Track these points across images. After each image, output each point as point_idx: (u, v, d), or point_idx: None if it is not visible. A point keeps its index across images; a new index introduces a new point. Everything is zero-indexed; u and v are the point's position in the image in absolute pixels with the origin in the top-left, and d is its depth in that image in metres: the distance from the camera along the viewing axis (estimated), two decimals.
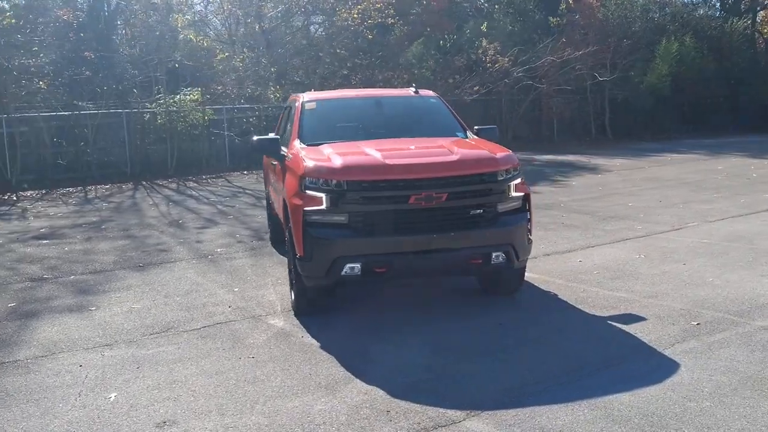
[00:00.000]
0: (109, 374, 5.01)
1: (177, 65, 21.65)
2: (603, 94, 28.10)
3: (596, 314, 5.88)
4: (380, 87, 23.44)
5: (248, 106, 21.89)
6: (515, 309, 6.15)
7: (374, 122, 7.22)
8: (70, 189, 17.70)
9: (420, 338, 5.45)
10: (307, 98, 7.64)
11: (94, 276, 8.25)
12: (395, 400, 4.29)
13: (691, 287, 6.58)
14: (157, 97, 20.88)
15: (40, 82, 19.70)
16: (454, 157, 5.92)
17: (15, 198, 16.60)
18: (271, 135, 7.46)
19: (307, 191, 5.75)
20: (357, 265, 5.61)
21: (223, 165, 21.12)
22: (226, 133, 21.27)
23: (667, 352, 4.89)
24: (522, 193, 6.03)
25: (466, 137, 6.97)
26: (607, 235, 9.26)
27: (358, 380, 4.65)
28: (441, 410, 4.11)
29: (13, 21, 20.28)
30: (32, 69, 22.74)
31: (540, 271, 7.46)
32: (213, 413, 4.22)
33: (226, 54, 22.35)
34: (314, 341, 5.55)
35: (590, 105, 28.23)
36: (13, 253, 9.92)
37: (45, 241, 10.74)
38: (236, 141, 20.27)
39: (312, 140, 6.76)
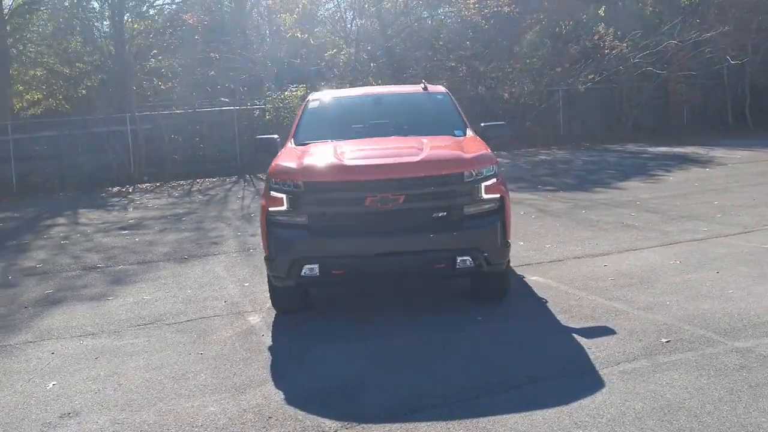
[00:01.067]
0: (68, 363, 5.36)
1: (285, 63, 22.38)
2: (743, 78, 25.62)
3: (568, 326, 5.46)
4: (489, 79, 23.06)
5: None
6: (488, 317, 5.83)
7: (371, 121, 7.11)
8: (182, 182, 18.91)
9: (365, 345, 5.33)
10: (313, 97, 7.69)
11: (139, 266, 8.80)
12: (287, 406, 4.25)
13: (699, 299, 5.92)
14: (267, 94, 21.75)
15: (159, 82, 21.16)
16: (415, 158, 5.72)
17: (131, 190, 18.01)
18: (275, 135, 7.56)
19: (271, 192, 5.80)
20: (315, 267, 5.59)
21: None
22: None
23: (605, 372, 4.45)
24: (495, 195, 5.70)
25: (465, 135, 6.68)
26: (661, 238, 8.54)
27: (271, 384, 4.65)
28: (319, 420, 4.03)
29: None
30: (162, 70, 24.65)
31: (552, 275, 7.03)
32: (117, 408, 4.40)
33: (334, 50, 22.81)
34: (269, 341, 5.61)
35: (727, 91, 25.85)
36: (90, 243, 10.82)
37: (125, 232, 11.60)
38: None
39: (304, 140, 6.79)
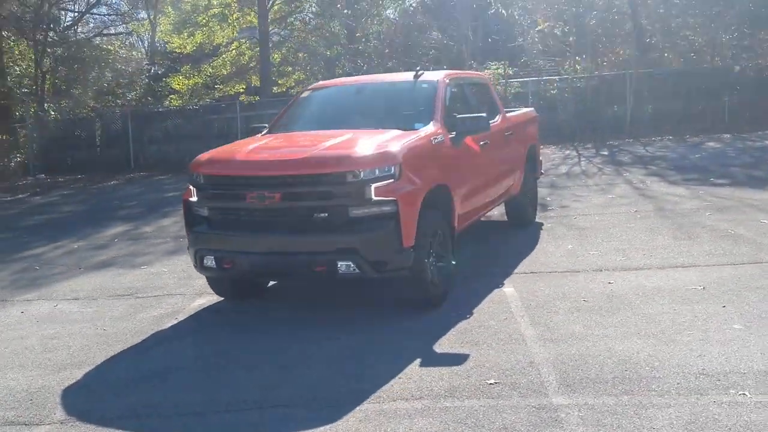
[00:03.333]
0: (19, 323, 6.11)
1: (489, 40, 21.80)
2: None
3: (434, 348, 4.79)
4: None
5: (559, 77, 20.93)
6: (371, 328, 5.31)
7: (342, 112, 6.81)
8: None
9: (230, 343, 5.26)
10: (310, 86, 7.58)
11: None
12: (50, 395, 4.42)
13: (636, 338, 4.73)
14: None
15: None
16: (299, 156, 5.41)
17: None
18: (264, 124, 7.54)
19: (189, 183, 5.93)
20: (212, 259, 5.62)
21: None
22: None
23: (362, 408, 3.85)
24: (388, 198, 5.14)
25: (426, 127, 6.07)
26: (731, 256, 6.89)
27: (87, 368, 4.85)
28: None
29: None
30: (386, 51, 25.59)
31: (533, 288, 6.13)
32: None
33: (547, 23, 21.60)
34: (168, 327, 5.76)
35: None
36: None
37: None
38: None
39: (278, 130, 6.78)
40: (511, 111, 9.18)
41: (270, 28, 30.72)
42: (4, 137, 23.27)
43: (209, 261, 5.58)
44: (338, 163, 5.15)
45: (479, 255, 7.52)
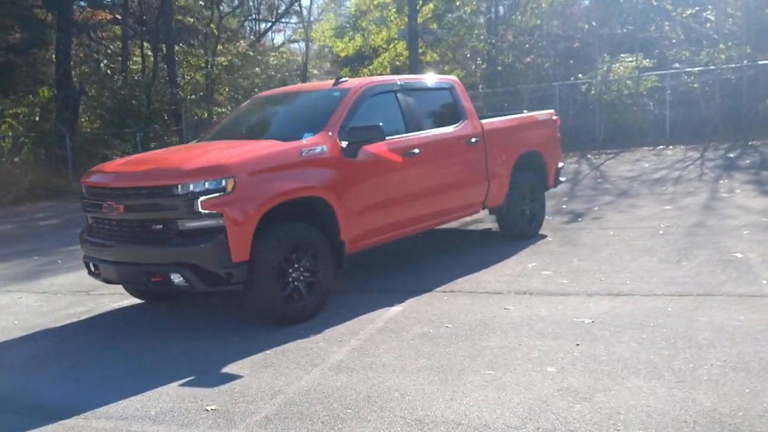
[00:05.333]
0: None
1: (624, 30, 20.16)
2: None
3: (221, 371, 4.73)
4: None
5: (699, 69, 18.83)
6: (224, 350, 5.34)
7: (258, 122, 6.84)
8: None
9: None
10: (256, 95, 7.68)
11: None
12: None
13: (433, 374, 4.31)
14: (599, 66, 20.08)
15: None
16: (141, 168, 5.57)
17: None
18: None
19: None
20: (90, 264, 6.00)
21: (661, 137, 19.01)
22: (668, 100, 18.98)
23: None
24: (214, 212, 5.15)
25: (314, 137, 5.96)
26: (690, 285, 5.95)
27: None
28: None
29: None
30: (526, 46, 24.83)
31: (418, 309, 5.78)
32: None
33: (689, 11, 19.55)
34: (66, 327, 6.22)
35: None
36: None
37: None
38: (653, 111, 17.94)
39: (211, 139, 7.00)
40: (514, 114, 8.61)
41: (428, 27, 31.09)
42: (175, 140, 25.96)
43: (91, 266, 5.94)
44: (167, 177, 5.25)
45: (422, 268, 7.17)
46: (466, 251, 7.94)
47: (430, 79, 7.63)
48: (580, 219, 9.44)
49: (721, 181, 11.76)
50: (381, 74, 33.61)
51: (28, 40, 22.16)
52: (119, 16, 26.40)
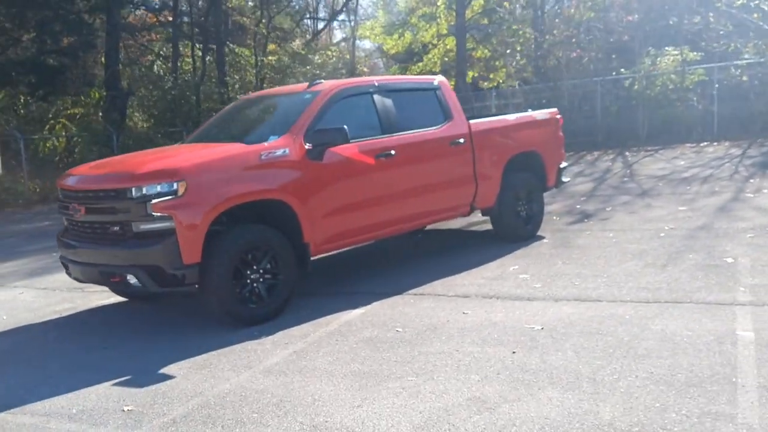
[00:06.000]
0: None
1: (670, 21, 19.42)
2: None
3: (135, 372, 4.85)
4: None
5: (748, 61, 17.99)
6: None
7: (233, 124, 6.93)
8: None
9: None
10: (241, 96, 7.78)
11: None
12: None
13: (345, 380, 4.32)
14: (642, 60, 19.47)
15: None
16: (100, 171, 5.75)
17: None
18: None
19: None
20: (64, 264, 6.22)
21: (708, 133, 18.30)
22: (715, 94, 18.24)
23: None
24: (165, 214, 5.27)
25: (279, 139, 6.02)
26: (662, 292, 5.75)
27: None
28: None
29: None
30: (573, 40, 24.31)
31: (379, 312, 5.78)
32: None
33: (739, 1, 18.69)
34: (47, 323, 6.45)
35: None
36: None
37: None
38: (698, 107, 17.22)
39: (192, 141, 7.16)
40: (508, 114, 8.47)
41: (479, 23, 30.78)
42: None
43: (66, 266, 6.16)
44: (122, 180, 5.39)
45: (404, 269, 7.16)
46: (456, 252, 7.85)
47: (414, 79, 7.58)
48: (586, 220, 9.20)
49: (751, 181, 11.24)
50: (431, 71, 33.54)
51: (77, 44, 23.05)
52: (170, 18, 27.14)
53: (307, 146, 5.98)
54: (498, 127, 7.81)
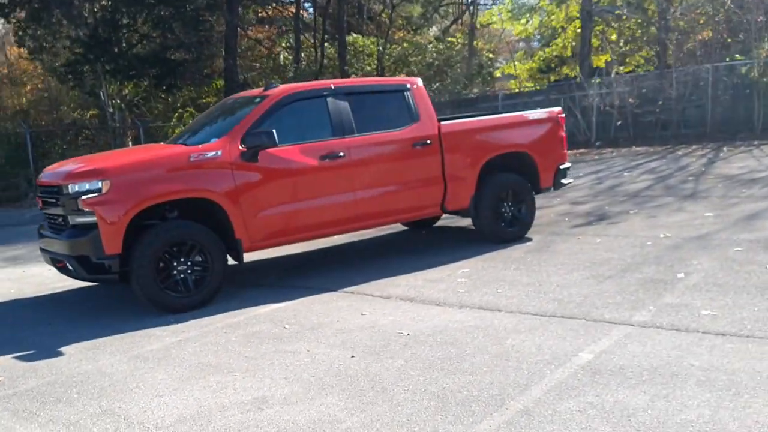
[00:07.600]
0: None
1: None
2: None
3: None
4: None
5: None
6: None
7: (202, 126, 7.36)
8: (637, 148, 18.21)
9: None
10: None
11: None
12: None
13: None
14: (762, 46, 17.79)
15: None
16: (56, 168, 6.47)
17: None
18: None
19: None
20: None
21: None
22: None
23: None
24: (89, 210, 5.93)
25: (209, 143, 6.51)
26: (573, 306, 5.60)
27: None
28: None
29: None
30: (701, 22, 22.61)
31: (294, 308, 6.06)
32: None
33: None
34: (31, 299, 7.44)
35: None
36: None
37: None
38: None
39: (169, 141, 7.83)
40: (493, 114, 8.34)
41: (614, 3, 29.29)
42: None
43: None
44: (62, 178, 6.11)
45: (361, 266, 7.38)
46: (430, 251, 7.89)
47: (382, 81, 7.71)
48: (595, 223, 8.83)
49: None
50: (559, 56, 32.48)
51: (197, 40, 24.86)
52: (292, 12, 28.41)
53: (242, 148, 6.37)
54: (471, 129, 7.73)
